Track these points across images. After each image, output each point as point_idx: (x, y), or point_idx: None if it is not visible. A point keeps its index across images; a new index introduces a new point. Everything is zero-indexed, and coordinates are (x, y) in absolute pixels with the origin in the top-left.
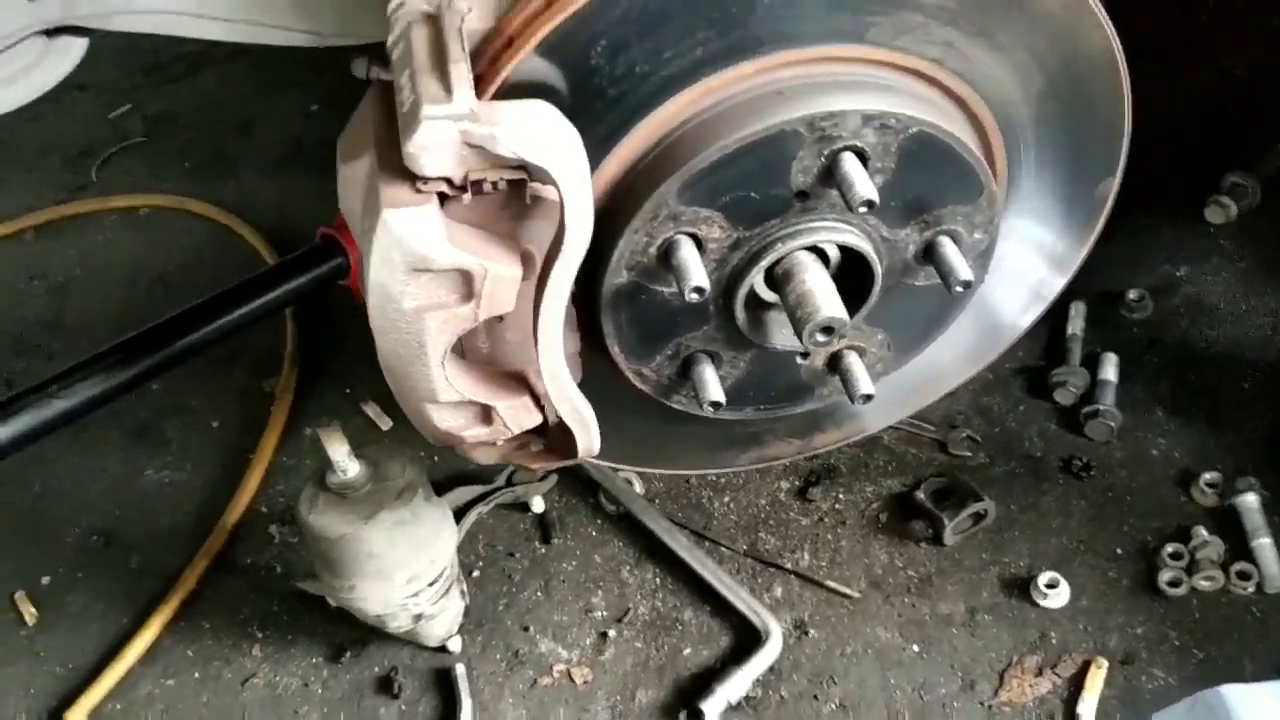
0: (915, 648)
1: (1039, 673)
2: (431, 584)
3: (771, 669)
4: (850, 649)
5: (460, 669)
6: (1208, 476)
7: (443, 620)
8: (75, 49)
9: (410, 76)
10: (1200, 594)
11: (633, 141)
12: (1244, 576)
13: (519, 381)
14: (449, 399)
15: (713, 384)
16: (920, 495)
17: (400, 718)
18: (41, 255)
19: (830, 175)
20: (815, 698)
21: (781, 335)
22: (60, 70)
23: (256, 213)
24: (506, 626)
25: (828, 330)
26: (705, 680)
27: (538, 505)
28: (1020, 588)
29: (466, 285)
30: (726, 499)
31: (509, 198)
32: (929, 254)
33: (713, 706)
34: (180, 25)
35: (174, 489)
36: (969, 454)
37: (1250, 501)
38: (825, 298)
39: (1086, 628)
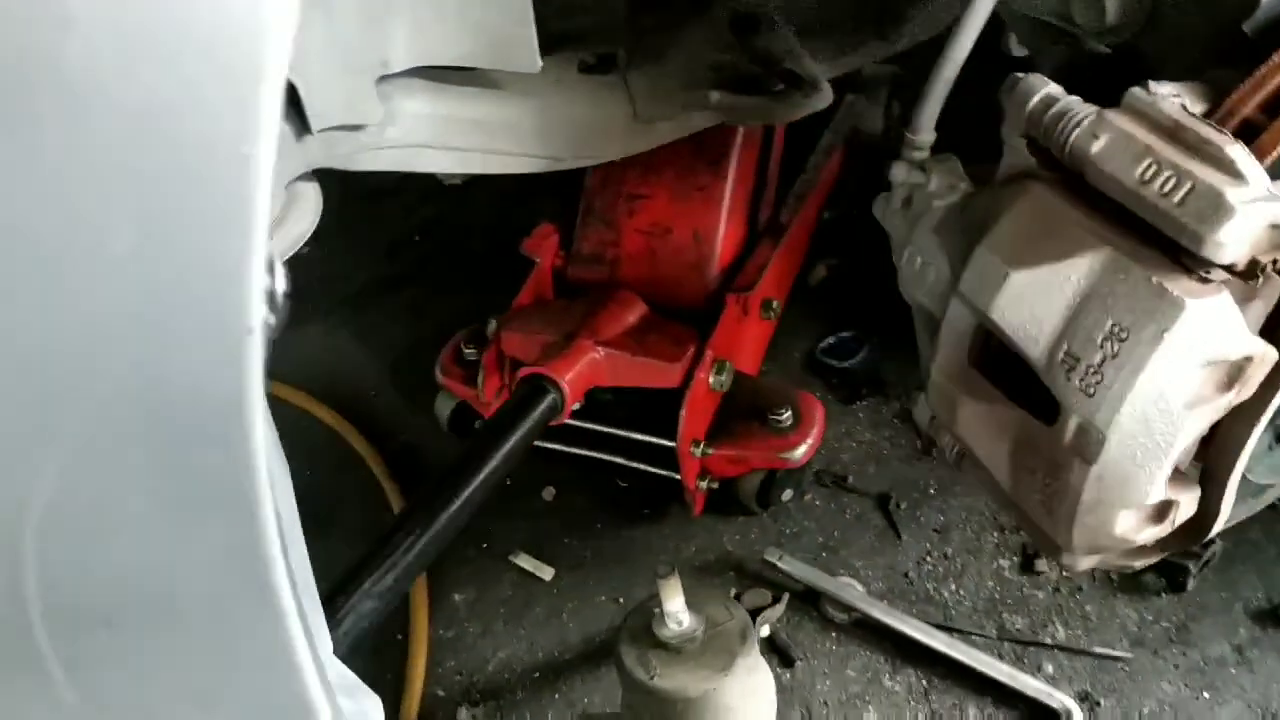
0: (1206, 695)
1: None
2: None
3: None
4: (1147, 710)
5: None
6: None
7: None
8: (310, 194)
9: (1158, 163)
10: None
11: None
12: None
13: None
14: (1156, 499)
15: None
16: None
17: None
18: None
19: None
20: None
21: None
22: (308, 219)
23: None
24: None
25: None
26: None
27: (764, 629)
28: (1270, 617)
29: (1232, 373)
30: (953, 586)
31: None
32: None
33: None
34: (418, 159)
35: None
36: None
37: None
38: None
39: None
